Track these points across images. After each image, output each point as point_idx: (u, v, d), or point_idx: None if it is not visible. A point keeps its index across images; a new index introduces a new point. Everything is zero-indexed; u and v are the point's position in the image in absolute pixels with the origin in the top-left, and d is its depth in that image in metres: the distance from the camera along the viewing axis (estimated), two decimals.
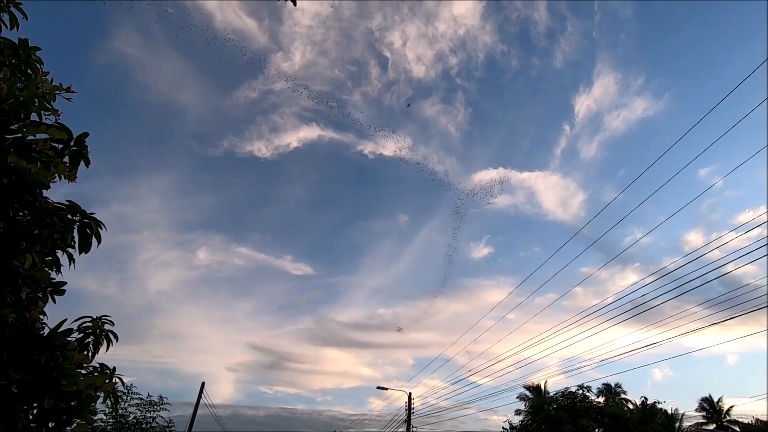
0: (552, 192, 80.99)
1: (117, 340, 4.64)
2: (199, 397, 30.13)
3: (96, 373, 4.10)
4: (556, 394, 23.98)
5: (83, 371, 3.48)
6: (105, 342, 4.56)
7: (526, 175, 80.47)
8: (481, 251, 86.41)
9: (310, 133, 76.19)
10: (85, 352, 4.31)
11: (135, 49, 66.73)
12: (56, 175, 3.35)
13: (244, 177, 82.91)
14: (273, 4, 72.43)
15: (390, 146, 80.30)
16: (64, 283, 4.08)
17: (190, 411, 29.28)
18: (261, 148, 76.23)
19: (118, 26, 69.87)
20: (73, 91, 3.83)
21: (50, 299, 4.00)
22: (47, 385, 2.73)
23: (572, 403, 22.30)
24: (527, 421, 25.12)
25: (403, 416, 30.26)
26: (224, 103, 79.07)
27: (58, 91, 3.78)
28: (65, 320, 3.35)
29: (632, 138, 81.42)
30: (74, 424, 2.87)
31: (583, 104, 78.10)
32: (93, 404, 2.87)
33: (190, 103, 75.91)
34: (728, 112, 12.57)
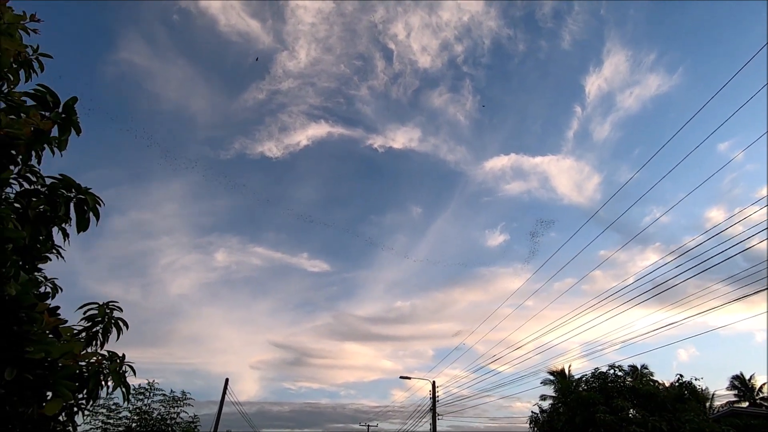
0: (566, 175, 78.66)
1: (127, 327, 4.18)
2: (224, 393, 30.12)
3: (105, 362, 3.60)
4: (584, 375, 23.12)
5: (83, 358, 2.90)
6: (115, 330, 4.12)
7: (538, 159, 78.29)
8: (496, 239, 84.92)
9: (319, 130, 75.43)
10: (94, 342, 3.93)
11: (143, 58, 66.43)
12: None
13: (257, 177, 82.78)
14: (276, 4, 71.69)
15: (400, 138, 78.87)
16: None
17: (216, 409, 29.33)
18: (272, 148, 75.81)
19: (125, 37, 69.53)
20: (38, 20, 3.25)
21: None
22: (8, 354, 2.16)
23: (604, 383, 21.47)
24: (557, 403, 24.30)
25: (426, 406, 29.82)
26: (233, 106, 78.88)
27: (22, 21, 3.21)
28: (41, 281, 2.79)
29: (646, 116, 78.18)
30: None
31: (593, 84, 75.26)
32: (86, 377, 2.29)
33: (199, 109, 75.87)
34: (746, 83, 11.65)
